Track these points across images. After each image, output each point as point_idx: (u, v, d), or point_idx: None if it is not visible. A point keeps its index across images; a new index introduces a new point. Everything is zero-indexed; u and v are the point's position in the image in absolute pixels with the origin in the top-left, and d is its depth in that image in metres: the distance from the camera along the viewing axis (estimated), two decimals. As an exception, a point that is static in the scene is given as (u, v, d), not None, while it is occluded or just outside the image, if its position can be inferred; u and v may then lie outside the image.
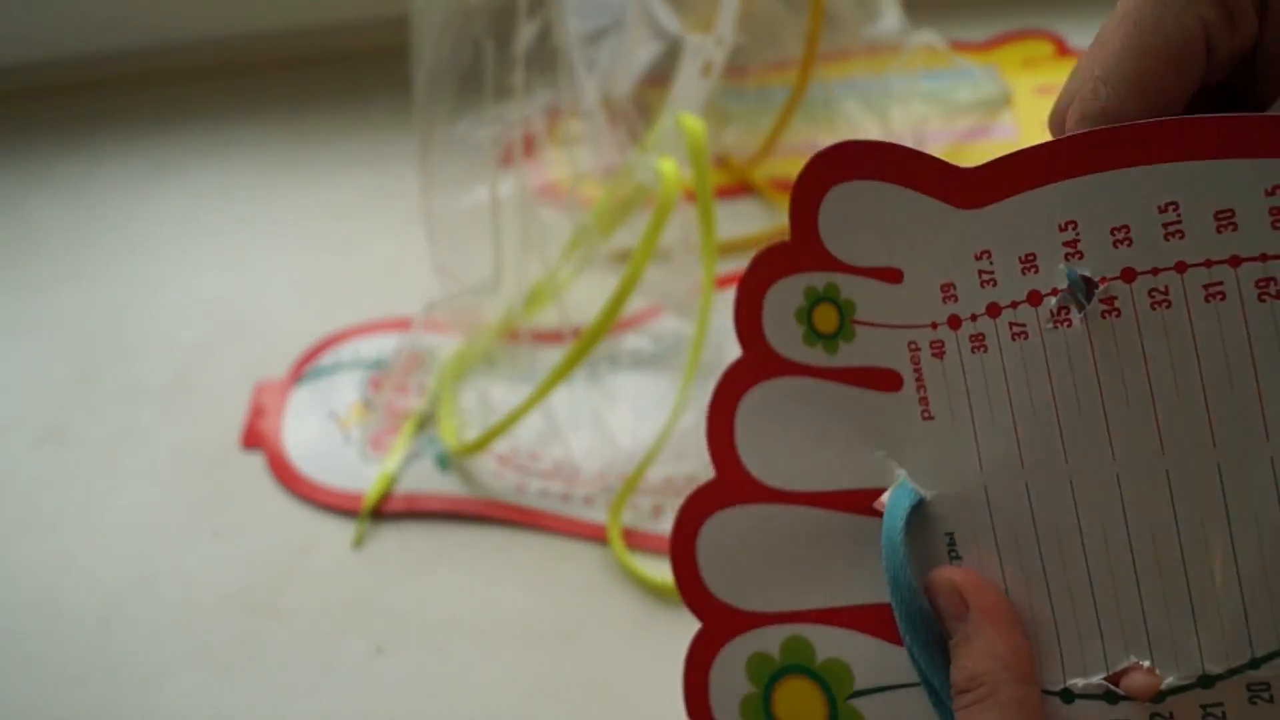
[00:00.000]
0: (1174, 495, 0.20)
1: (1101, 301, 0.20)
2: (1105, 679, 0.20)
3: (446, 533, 0.45)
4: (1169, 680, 0.20)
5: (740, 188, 0.58)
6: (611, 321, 0.42)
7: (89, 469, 0.50)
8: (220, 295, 0.57)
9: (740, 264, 0.54)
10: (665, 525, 0.44)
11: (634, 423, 0.47)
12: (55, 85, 0.70)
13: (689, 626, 0.42)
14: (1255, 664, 0.19)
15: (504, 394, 0.48)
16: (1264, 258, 0.18)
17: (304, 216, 0.61)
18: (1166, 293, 0.19)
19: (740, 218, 0.56)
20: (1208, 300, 0.19)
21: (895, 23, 0.58)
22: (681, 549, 0.25)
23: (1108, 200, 0.20)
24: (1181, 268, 0.19)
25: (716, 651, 0.25)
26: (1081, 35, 0.65)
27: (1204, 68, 0.19)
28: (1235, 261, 0.19)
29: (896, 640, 0.22)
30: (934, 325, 0.23)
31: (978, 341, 0.22)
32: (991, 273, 0.22)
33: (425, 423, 0.49)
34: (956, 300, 0.22)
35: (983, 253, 0.22)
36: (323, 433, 0.49)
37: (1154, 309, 0.19)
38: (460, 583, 0.43)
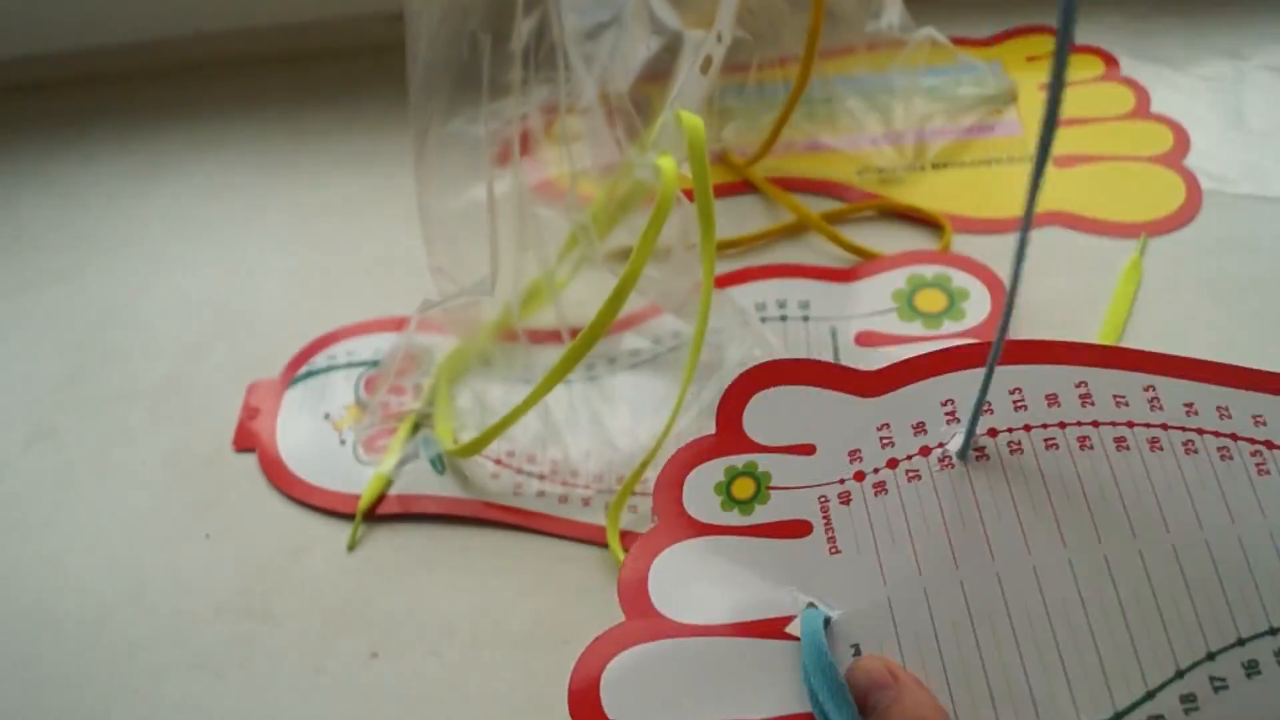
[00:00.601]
0: (1041, 584, 0.26)
1: (974, 450, 0.28)
2: None
3: (442, 535, 0.45)
4: None
5: (740, 186, 0.58)
6: (610, 321, 0.41)
7: (79, 470, 0.49)
8: (213, 294, 0.57)
9: (740, 263, 0.54)
10: (664, 528, 0.44)
11: (633, 424, 0.47)
12: (46, 81, 0.70)
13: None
14: (1119, 716, 0.25)
15: (501, 395, 0.48)
16: (1079, 424, 0.28)
17: (297, 215, 0.60)
18: (1020, 444, 0.28)
19: (740, 216, 0.56)
20: (1047, 448, 0.28)
21: (898, 18, 0.57)
22: (584, 688, 0.28)
23: (974, 386, 0.27)
24: (1028, 428, 0.28)
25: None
26: (1086, 31, 0.64)
27: None
28: (1063, 425, 0.28)
29: None
30: (841, 480, 0.29)
31: (879, 487, 0.29)
32: (890, 438, 0.29)
33: (421, 424, 0.48)
34: (861, 460, 0.29)
35: (883, 424, 0.29)
36: (317, 434, 0.49)
37: (1012, 454, 0.28)
38: (456, 585, 0.43)
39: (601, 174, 0.46)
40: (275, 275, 0.57)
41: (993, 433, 0.28)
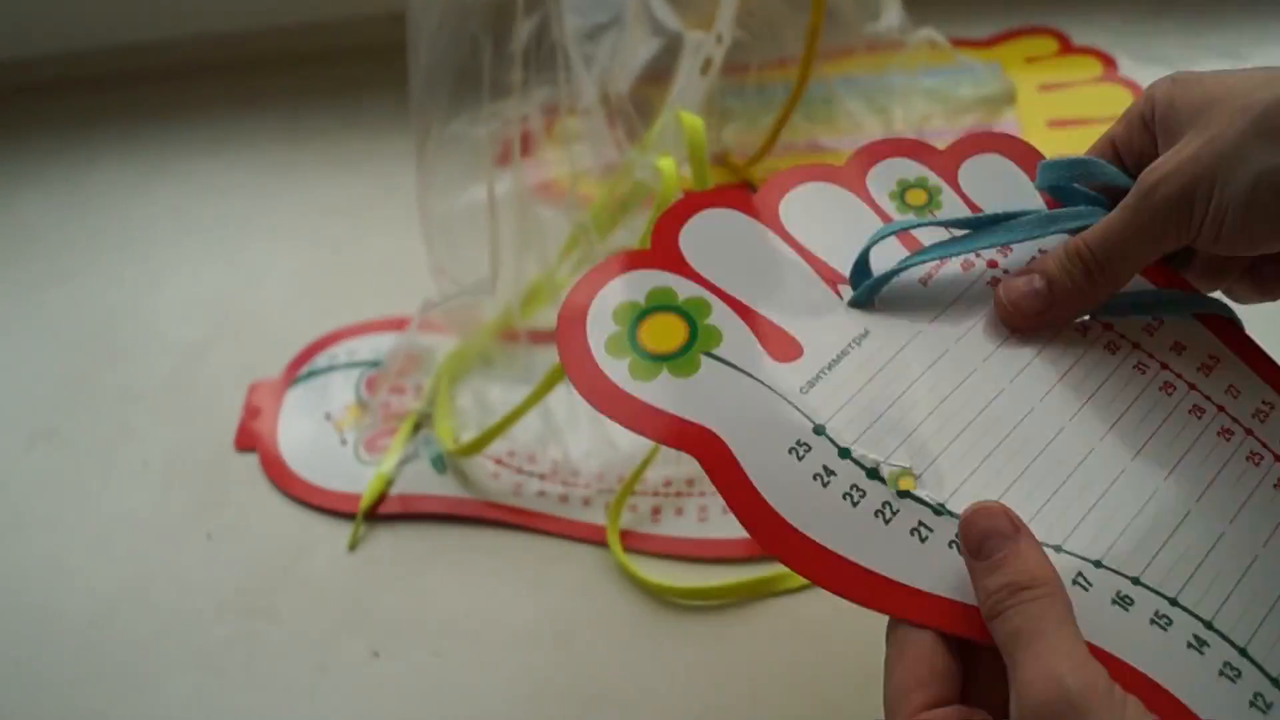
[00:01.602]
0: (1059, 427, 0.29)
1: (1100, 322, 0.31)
2: (879, 460, 0.28)
3: (443, 535, 0.45)
4: (920, 492, 0.27)
5: (739, 186, 0.58)
6: (610, 321, 0.41)
7: (82, 470, 0.49)
8: (215, 294, 0.57)
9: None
10: (664, 527, 0.44)
11: (632, 424, 0.47)
12: (50, 82, 0.70)
13: (688, 630, 0.42)
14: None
15: (501, 394, 0.48)
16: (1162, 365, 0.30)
17: (300, 215, 0.61)
18: (1118, 345, 0.30)
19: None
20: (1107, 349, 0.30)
21: (897, 19, 0.57)
22: (685, 208, 0.32)
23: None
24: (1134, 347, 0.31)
25: (640, 269, 0.32)
26: (1084, 32, 0.65)
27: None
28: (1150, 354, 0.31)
29: (774, 353, 0.30)
30: (978, 255, 0.32)
31: (993, 282, 0.31)
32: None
33: (422, 424, 0.48)
34: (1005, 255, 0.32)
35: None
36: (318, 434, 0.49)
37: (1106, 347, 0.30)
38: (457, 585, 0.43)
39: (602, 174, 0.46)
40: (277, 275, 0.57)
41: (1108, 326, 0.30)
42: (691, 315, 0.31)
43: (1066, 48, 0.64)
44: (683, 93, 0.43)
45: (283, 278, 0.57)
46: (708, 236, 0.32)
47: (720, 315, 0.31)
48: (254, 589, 0.44)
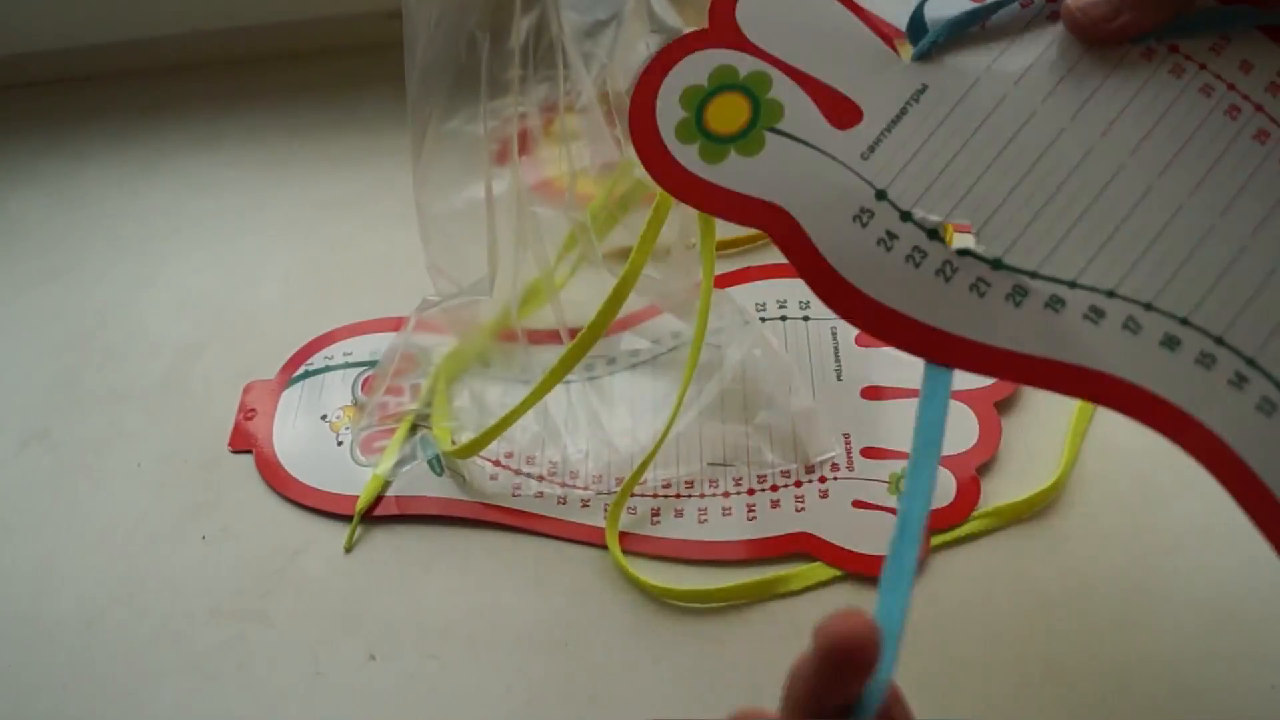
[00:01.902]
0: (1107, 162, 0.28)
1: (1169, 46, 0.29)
2: (938, 220, 0.28)
3: (440, 536, 0.45)
4: (977, 248, 0.28)
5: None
6: (609, 321, 0.41)
7: (74, 472, 0.49)
8: (209, 294, 0.56)
9: (740, 263, 0.53)
10: (663, 529, 0.44)
11: (632, 424, 0.46)
12: (40, 79, 0.69)
13: (688, 632, 0.42)
14: (1034, 275, 0.27)
15: (499, 395, 0.48)
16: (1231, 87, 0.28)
17: (295, 213, 0.60)
18: (1181, 69, 0.29)
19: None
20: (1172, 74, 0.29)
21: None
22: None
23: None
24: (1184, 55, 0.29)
25: (700, 49, 0.32)
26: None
27: None
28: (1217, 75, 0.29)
29: (834, 120, 0.30)
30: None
31: (1054, 15, 0.30)
32: None
33: (419, 424, 0.48)
34: None
35: None
36: (314, 434, 0.49)
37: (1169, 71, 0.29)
38: (454, 587, 0.43)
39: (601, 173, 0.46)
40: (272, 275, 0.57)
41: (1174, 48, 0.29)
42: (753, 91, 0.31)
43: None
44: (682, 90, 0.43)
45: (278, 277, 0.57)
46: (764, 5, 0.32)
47: (781, 88, 0.31)
48: (249, 591, 0.43)
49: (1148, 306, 0.27)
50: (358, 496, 0.45)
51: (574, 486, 0.45)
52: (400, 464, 0.47)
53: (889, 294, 0.28)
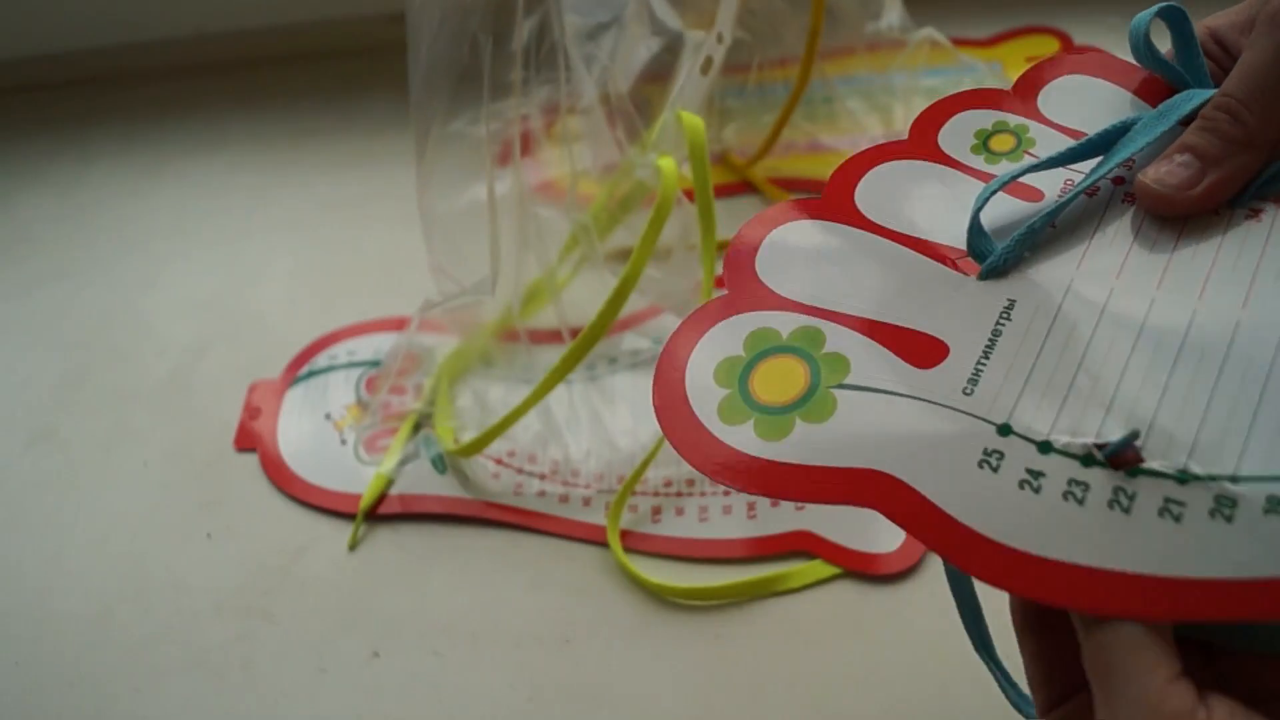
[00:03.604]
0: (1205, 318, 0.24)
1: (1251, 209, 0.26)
2: (1091, 443, 0.23)
3: (443, 535, 0.45)
4: (1152, 463, 0.22)
5: (740, 186, 0.58)
6: (610, 321, 0.41)
7: (80, 470, 0.49)
8: (214, 294, 0.57)
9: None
10: (664, 527, 0.44)
11: (633, 424, 0.47)
12: (47, 82, 0.70)
13: (688, 630, 0.42)
14: (1235, 479, 0.22)
15: (501, 394, 0.48)
16: None
17: (299, 214, 0.60)
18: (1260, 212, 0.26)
19: (740, 216, 0.55)
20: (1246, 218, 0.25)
21: (898, 19, 0.57)
22: (751, 236, 0.29)
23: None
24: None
25: (723, 320, 0.28)
26: (1086, 31, 0.64)
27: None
28: None
29: (914, 361, 0.26)
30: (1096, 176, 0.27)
31: (1129, 198, 0.27)
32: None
33: (422, 424, 0.48)
34: (1130, 167, 0.27)
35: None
36: (318, 434, 0.49)
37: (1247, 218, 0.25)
38: (457, 585, 0.43)
39: (602, 174, 0.46)
40: (276, 275, 0.57)
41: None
42: (805, 350, 0.27)
43: (1068, 47, 0.64)
44: (683, 92, 0.43)
45: (282, 277, 0.57)
46: (787, 257, 0.28)
47: (837, 339, 0.26)
48: (253, 589, 0.44)
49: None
50: (361, 495, 0.46)
51: (575, 485, 0.45)
52: (403, 463, 0.47)
53: (1057, 546, 0.22)
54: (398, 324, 0.53)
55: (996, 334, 0.25)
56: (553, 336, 0.48)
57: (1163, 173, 0.25)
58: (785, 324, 0.27)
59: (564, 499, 0.45)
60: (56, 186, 0.64)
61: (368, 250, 0.58)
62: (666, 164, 0.41)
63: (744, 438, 0.25)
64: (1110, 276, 0.25)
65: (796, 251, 0.28)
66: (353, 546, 0.45)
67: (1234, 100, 0.25)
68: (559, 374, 0.42)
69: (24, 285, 0.59)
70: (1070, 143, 0.27)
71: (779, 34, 0.56)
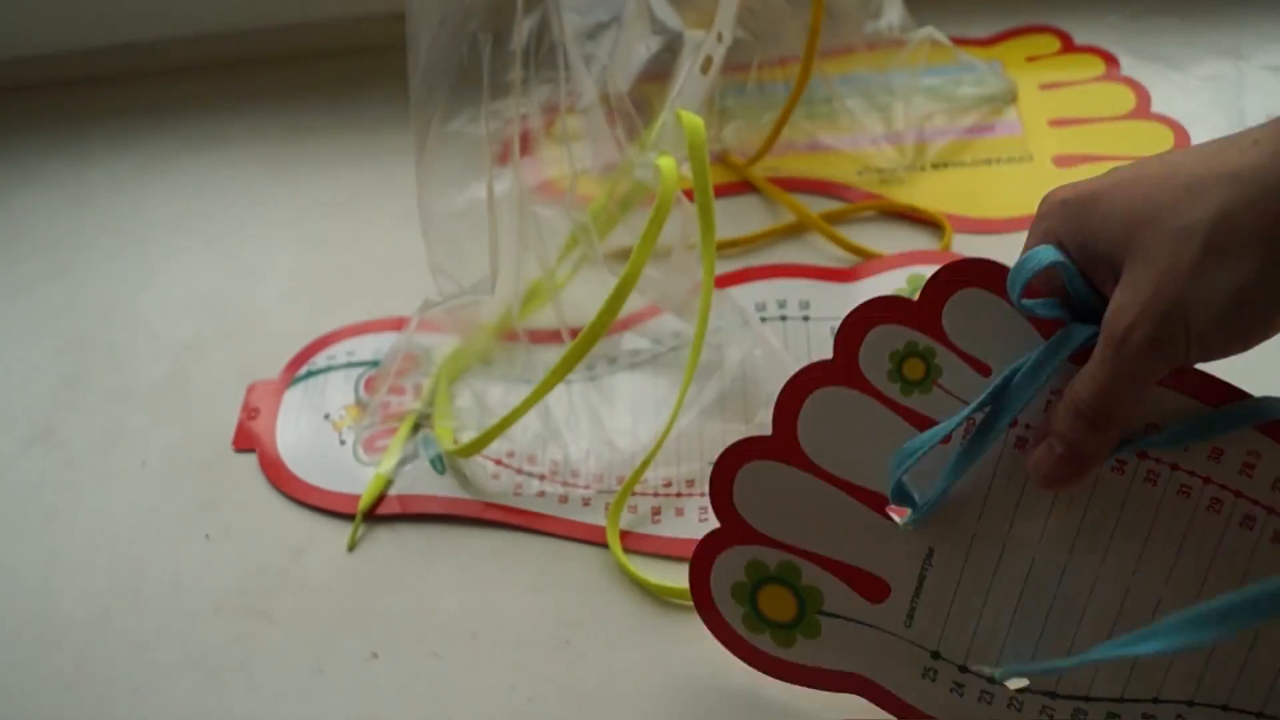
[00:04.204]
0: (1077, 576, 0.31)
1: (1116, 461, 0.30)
2: (988, 672, 0.33)
3: (442, 535, 0.45)
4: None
5: (740, 186, 0.58)
6: (610, 321, 0.41)
7: (79, 470, 0.49)
8: (213, 294, 0.57)
9: (740, 263, 0.54)
10: (664, 527, 0.44)
11: (632, 424, 0.47)
12: (45, 81, 0.70)
13: (687, 629, 0.42)
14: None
15: (501, 395, 0.48)
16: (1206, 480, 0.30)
17: (298, 214, 0.60)
18: (1157, 474, 0.30)
19: (740, 216, 0.56)
20: (1147, 480, 0.30)
21: (898, 18, 0.57)
22: (725, 469, 0.34)
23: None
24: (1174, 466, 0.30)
25: (725, 549, 0.35)
26: (1086, 30, 0.64)
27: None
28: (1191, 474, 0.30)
29: (868, 596, 0.34)
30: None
31: (1021, 444, 0.31)
32: (1050, 401, 0.30)
33: (421, 424, 0.48)
34: (1024, 409, 0.30)
35: (1057, 391, 0.30)
36: (316, 434, 0.49)
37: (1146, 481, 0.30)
38: (456, 585, 0.43)
39: (601, 174, 0.46)
40: (275, 275, 0.57)
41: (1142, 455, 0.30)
42: (789, 581, 0.34)
43: (1068, 46, 0.64)
44: (683, 92, 0.43)
45: (281, 277, 0.57)
46: (757, 495, 0.34)
47: (810, 573, 0.34)
48: (252, 589, 0.44)
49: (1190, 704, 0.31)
50: (360, 495, 0.46)
51: (575, 485, 0.45)
52: (402, 463, 0.47)
53: None
54: (397, 324, 0.53)
55: (922, 578, 0.33)
56: (552, 336, 0.48)
57: (1046, 468, 0.29)
58: (769, 558, 0.34)
59: (563, 499, 0.45)
60: (55, 185, 0.64)
61: (367, 250, 0.57)
62: (666, 163, 0.41)
63: (765, 643, 0.35)
64: (1004, 532, 0.32)
65: (763, 490, 0.34)
66: (352, 547, 0.45)
67: (1087, 409, 0.28)
68: (558, 374, 0.42)
69: (22, 284, 0.59)
70: (973, 375, 0.31)
71: (779, 33, 0.56)
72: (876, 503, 0.33)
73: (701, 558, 0.35)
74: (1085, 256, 0.28)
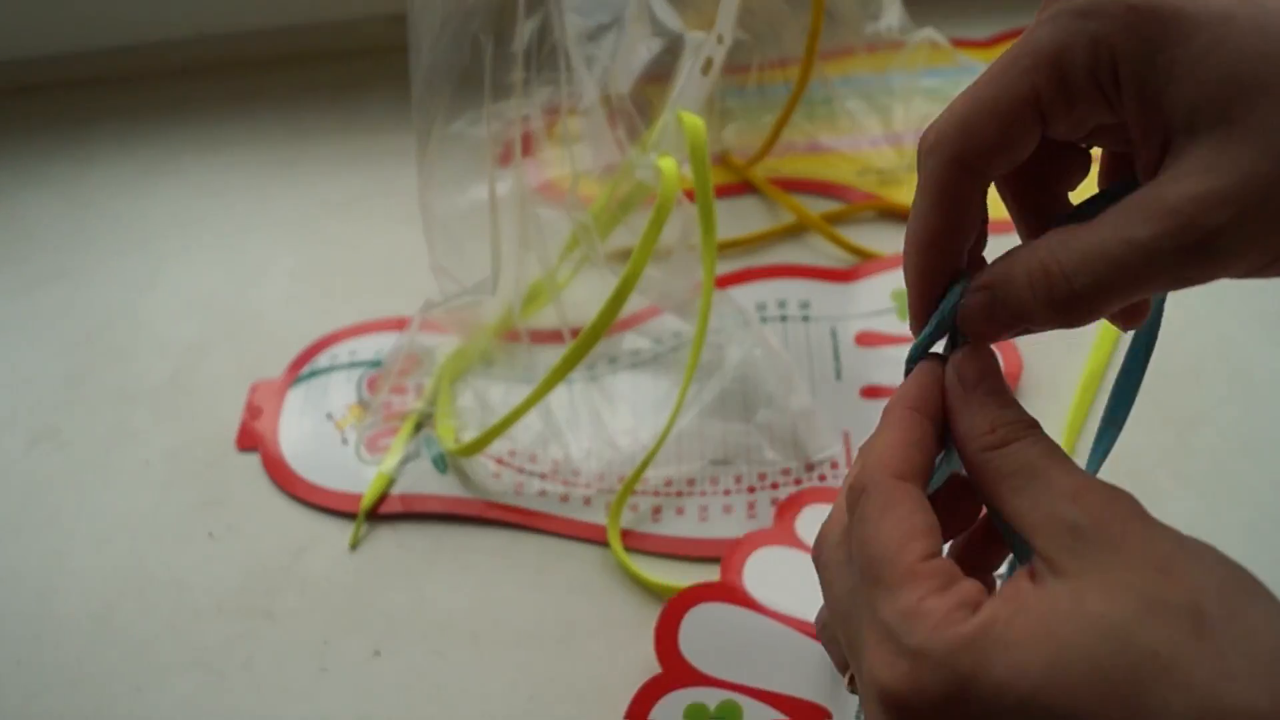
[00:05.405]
0: None
1: None
2: None
3: (444, 534, 0.45)
4: None
5: (741, 186, 0.58)
6: (610, 321, 0.41)
7: (82, 470, 0.49)
8: (216, 294, 0.57)
9: (740, 263, 0.54)
10: (664, 526, 0.44)
11: (633, 423, 0.47)
12: (50, 82, 0.70)
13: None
14: None
15: (502, 394, 0.48)
16: None
17: (301, 215, 0.61)
18: None
19: (741, 217, 0.56)
20: None
21: (897, 19, 0.57)
22: (672, 615, 0.37)
23: None
24: None
25: (665, 694, 0.36)
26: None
27: (1035, 129, 0.23)
28: None
29: None
30: None
31: None
32: None
33: (423, 423, 0.48)
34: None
35: None
36: (319, 433, 0.49)
37: None
38: (458, 584, 0.43)
39: (603, 175, 0.46)
40: (277, 275, 0.57)
41: None
42: None
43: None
44: (683, 93, 0.43)
45: (283, 277, 0.57)
46: (703, 636, 0.36)
47: (752, 711, 0.35)
48: (255, 588, 0.44)
49: None
50: (362, 495, 0.46)
51: (576, 484, 0.45)
52: (404, 462, 0.47)
53: None
54: (399, 324, 0.53)
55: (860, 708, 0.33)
56: (553, 336, 0.48)
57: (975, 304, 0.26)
58: (710, 698, 0.35)
59: (564, 498, 0.45)
60: (57, 186, 0.64)
61: (369, 250, 0.58)
62: (667, 164, 0.41)
63: None
64: None
65: (709, 632, 0.36)
66: (354, 546, 0.45)
67: (1064, 279, 0.22)
68: (559, 374, 0.42)
69: (25, 285, 0.59)
70: None
71: (779, 34, 0.56)
72: (814, 633, 0.34)
73: (639, 705, 0.36)
74: (1136, 90, 0.20)
